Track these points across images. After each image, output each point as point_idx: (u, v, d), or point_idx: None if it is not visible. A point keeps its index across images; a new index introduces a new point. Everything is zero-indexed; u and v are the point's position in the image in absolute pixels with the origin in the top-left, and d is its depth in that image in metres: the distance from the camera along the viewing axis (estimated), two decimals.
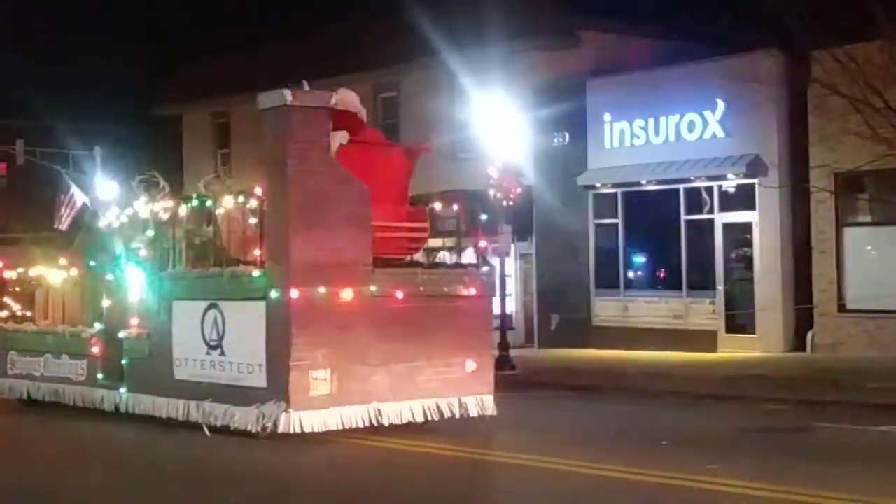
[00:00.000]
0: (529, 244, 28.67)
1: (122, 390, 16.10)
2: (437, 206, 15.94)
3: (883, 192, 23.24)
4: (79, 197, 18.74)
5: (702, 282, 25.72)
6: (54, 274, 18.36)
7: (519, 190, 23.23)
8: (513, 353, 23.08)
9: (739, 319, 25.14)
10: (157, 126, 40.62)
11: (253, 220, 14.62)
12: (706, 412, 16.49)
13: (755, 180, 24.69)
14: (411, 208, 15.68)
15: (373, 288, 14.15)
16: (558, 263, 28.13)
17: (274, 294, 13.82)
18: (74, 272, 17.85)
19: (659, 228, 26.58)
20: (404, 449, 13.25)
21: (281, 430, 13.45)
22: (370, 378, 14.03)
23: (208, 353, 14.75)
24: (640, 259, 27.62)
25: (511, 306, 26.71)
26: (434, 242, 30.95)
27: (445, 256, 17.65)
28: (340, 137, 14.62)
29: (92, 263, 17.51)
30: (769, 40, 22.10)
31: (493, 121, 23.37)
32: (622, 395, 18.71)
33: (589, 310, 27.66)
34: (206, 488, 11.39)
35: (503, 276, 24.33)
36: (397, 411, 14.19)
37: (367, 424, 13.88)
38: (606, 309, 27.37)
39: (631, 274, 27.52)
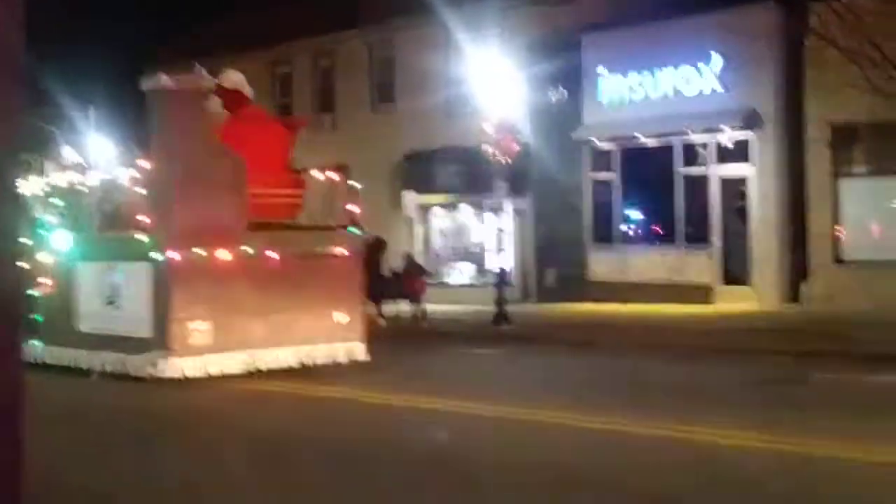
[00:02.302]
0: (526, 200, 28.70)
1: (36, 342, 17.78)
2: (316, 174, 17.70)
3: (879, 143, 23.25)
4: (71, 157, 19.30)
5: (698, 235, 25.78)
6: None
7: (515, 146, 23.20)
8: (510, 308, 23.17)
9: (736, 272, 25.23)
10: None
11: (142, 190, 16.36)
12: (703, 365, 16.56)
13: (751, 133, 24.72)
14: (291, 176, 17.61)
15: (248, 248, 16.13)
16: (555, 219, 28.18)
17: (158, 256, 15.83)
18: None
19: (655, 183, 26.58)
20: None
21: (165, 375, 15.42)
22: (247, 328, 15.99)
23: (106, 308, 16.78)
24: (636, 213, 27.64)
25: (508, 262, 26.77)
26: (432, 199, 31.16)
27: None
28: (223, 115, 16.80)
29: None
30: None
31: (489, 77, 23.29)
32: (618, 348, 18.79)
33: (586, 264, 27.74)
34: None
35: (499, 232, 24.41)
36: (272, 358, 16.21)
37: (246, 370, 15.87)
38: (603, 263, 27.44)
39: (627, 228, 27.57)
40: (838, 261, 23.75)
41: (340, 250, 17.27)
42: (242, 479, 9.40)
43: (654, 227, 27.19)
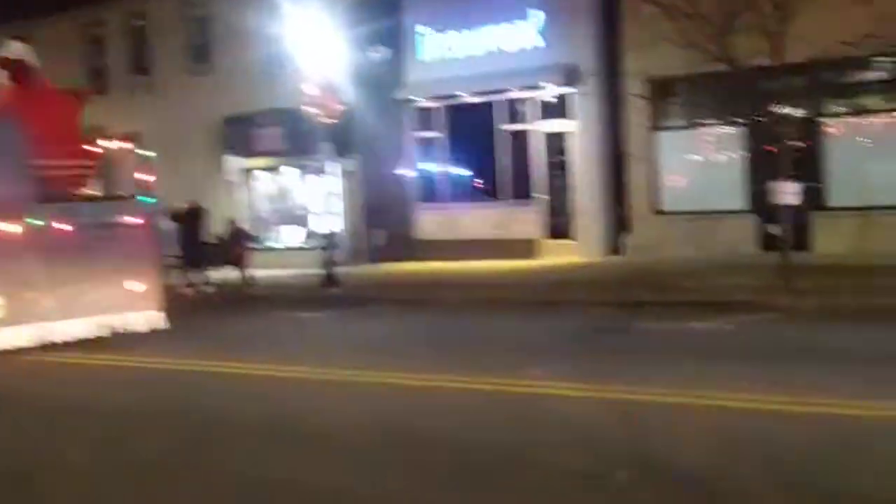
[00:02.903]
0: (352, 161, 28.41)
1: None
2: (106, 143, 17.88)
3: (695, 96, 23.75)
4: None
5: (523, 191, 26.02)
6: None
7: (338, 107, 22.91)
8: (339, 270, 22.95)
9: (560, 226, 25.58)
10: None
11: None
12: (529, 318, 16.69)
13: (572, 89, 24.97)
14: (80, 147, 17.59)
15: (37, 220, 16.11)
16: (382, 179, 28.01)
17: None
18: None
19: (480, 140, 26.68)
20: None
21: None
22: (38, 301, 15.96)
23: None
24: (461, 171, 27.69)
25: (336, 224, 26.46)
26: (255, 162, 30.63)
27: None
28: (7, 86, 16.93)
29: None
30: None
31: (309, 37, 22.89)
32: (447, 306, 18.78)
33: (414, 224, 27.71)
34: None
35: (326, 194, 24.09)
36: (66, 330, 16.20)
37: (40, 343, 15.76)
38: (431, 222, 27.47)
39: (454, 186, 27.61)
40: (658, 212, 24.27)
41: (133, 220, 17.28)
42: (69, 452, 9.00)
43: (479, 185, 27.32)
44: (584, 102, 24.91)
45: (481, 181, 27.23)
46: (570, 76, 24.83)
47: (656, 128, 24.25)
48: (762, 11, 17.27)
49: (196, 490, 7.62)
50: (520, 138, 26.10)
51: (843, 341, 12.76)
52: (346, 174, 28.65)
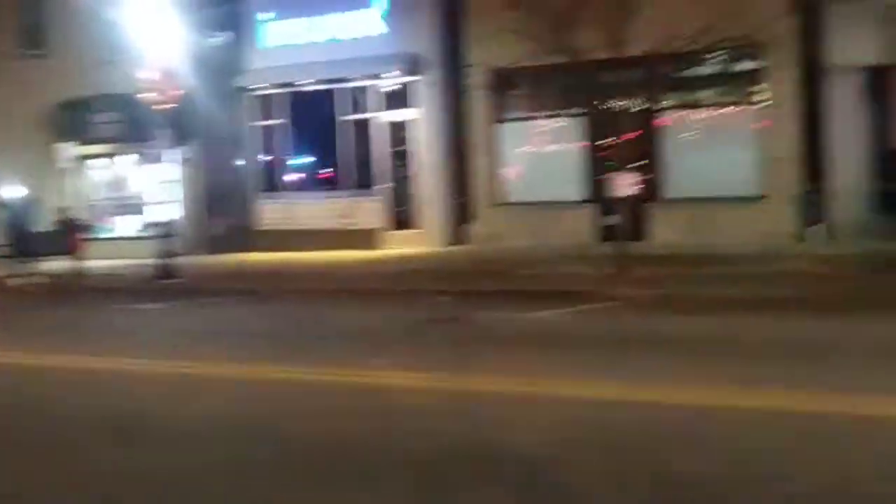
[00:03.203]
0: (192, 149, 27.82)
1: None
2: None
3: (536, 87, 24.00)
4: None
5: (365, 181, 25.90)
6: None
7: (177, 92, 22.39)
8: (177, 260, 22.43)
9: (404, 216, 25.56)
10: None
11: None
12: (369, 308, 16.59)
13: (414, 78, 24.95)
14: None
15: None
16: (222, 168, 27.54)
17: None
18: None
19: (321, 129, 26.45)
20: None
21: None
22: None
23: None
24: (303, 160, 27.43)
25: (174, 213, 25.85)
26: (89, 149, 29.73)
27: None
28: None
29: None
30: None
31: (148, 21, 22.30)
32: (286, 296, 18.55)
33: (254, 213, 27.31)
34: None
35: (164, 183, 23.54)
36: None
37: None
38: (271, 212, 27.12)
39: (294, 176, 27.33)
40: (501, 203, 24.44)
41: None
42: None
43: (321, 174, 27.09)
44: (427, 92, 24.92)
45: (323, 170, 27.00)
46: (413, 65, 24.80)
47: (498, 119, 24.42)
48: (603, 5, 17.50)
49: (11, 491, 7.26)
50: (362, 127, 25.96)
51: (677, 329, 13.00)
52: (185, 162, 28.03)
